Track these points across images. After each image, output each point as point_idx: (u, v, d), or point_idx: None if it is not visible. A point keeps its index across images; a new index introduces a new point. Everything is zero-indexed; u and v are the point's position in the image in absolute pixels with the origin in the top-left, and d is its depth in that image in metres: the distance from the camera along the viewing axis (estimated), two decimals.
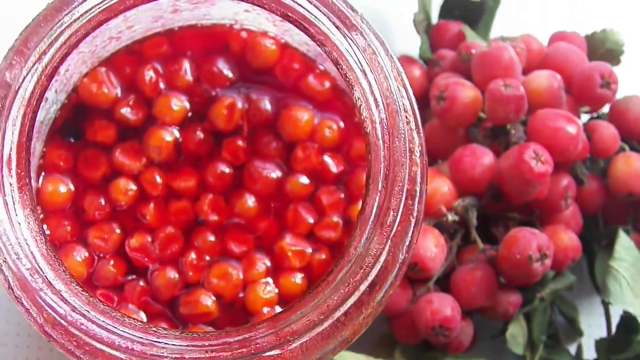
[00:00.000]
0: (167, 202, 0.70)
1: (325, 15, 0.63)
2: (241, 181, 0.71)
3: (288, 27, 0.68)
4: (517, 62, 0.81)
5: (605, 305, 0.84)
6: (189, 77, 0.71)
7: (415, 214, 0.62)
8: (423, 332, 0.78)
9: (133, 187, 0.70)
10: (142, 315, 0.69)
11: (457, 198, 0.79)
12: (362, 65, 0.62)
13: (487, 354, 0.83)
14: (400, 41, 0.90)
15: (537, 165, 0.76)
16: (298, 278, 0.70)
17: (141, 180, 0.70)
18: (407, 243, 0.62)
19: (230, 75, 0.72)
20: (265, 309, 0.69)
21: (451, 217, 0.78)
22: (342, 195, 0.71)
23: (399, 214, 0.61)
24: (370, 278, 0.60)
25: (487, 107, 0.79)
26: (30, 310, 0.59)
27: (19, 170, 0.60)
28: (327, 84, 0.72)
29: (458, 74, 0.83)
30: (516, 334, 0.80)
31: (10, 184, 0.59)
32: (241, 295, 0.70)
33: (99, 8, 0.62)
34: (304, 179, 0.71)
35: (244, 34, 0.72)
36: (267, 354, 0.59)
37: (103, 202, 0.70)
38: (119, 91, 0.71)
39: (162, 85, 0.71)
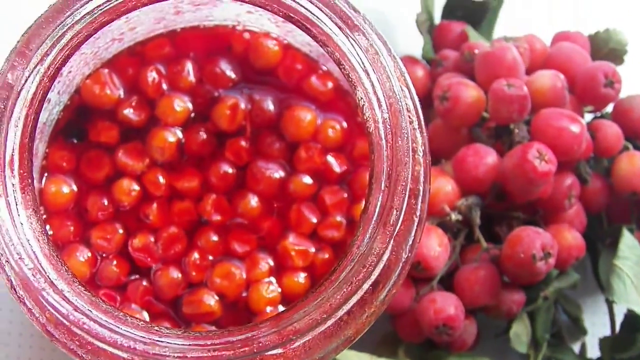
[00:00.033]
0: (170, 203, 0.70)
1: (327, 15, 0.63)
2: (244, 181, 0.71)
3: (290, 28, 0.68)
4: (520, 62, 0.81)
5: (609, 304, 0.84)
6: (191, 78, 0.71)
7: (418, 213, 0.63)
8: (426, 330, 0.78)
9: (136, 187, 0.70)
10: (145, 315, 0.69)
11: (461, 197, 0.79)
12: (364, 66, 0.62)
13: (491, 352, 0.83)
14: (403, 42, 0.91)
15: (541, 165, 0.76)
16: (301, 277, 0.70)
17: (144, 180, 0.70)
18: (411, 242, 0.62)
19: (233, 76, 0.72)
20: (269, 309, 0.69)
21: (455, 216, 0.78)
22: (345, 195, 0.71)
23: (402, 213, 0.61)
24: (373, 277, 0.60)
25: (490, 107, 0.79)
26: (33, 310, 0.59)
27: (22, 171, 0.60)
28: (330, 84, 0.72)
29: (461, 74, 0.84)
30: (520, 333, 0.80)
31: (13, 185, 0.59)
32: (244, 294, 0.70)
33: (101, 10, 0.62)
34: (307, 179, 0.71)
35: (246, 35, 0.72)
36: (270, 352, 0.59)
37: (106, 203, 0.70)
38: (121, 92, 0.71)
39: (164, 86, 0.71)
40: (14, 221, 0.59)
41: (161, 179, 0.70)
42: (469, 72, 0.83)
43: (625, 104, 0.84)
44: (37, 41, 0.61)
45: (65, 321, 0.58)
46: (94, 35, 0.63)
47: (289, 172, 0.71)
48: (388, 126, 0.61)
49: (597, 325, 0.86)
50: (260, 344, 0.58)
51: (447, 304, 0.77)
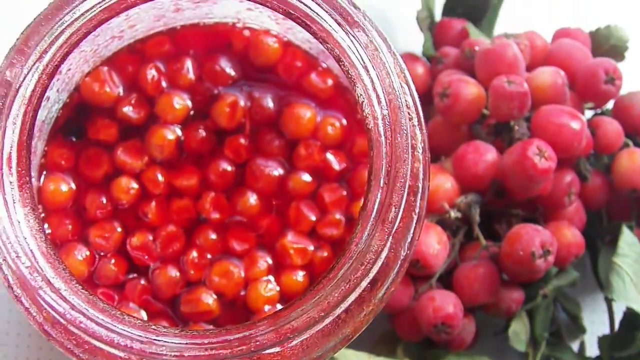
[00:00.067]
0: (169, 201, 0.70)
1: (327, 12, 0.63)
2: (243, 179, 0.71)
3: (290, 25, 0.68)
4: (521, 58, 0.81)
5: (609, 302, 0.84)
6: (191, 75, 0.71)
7: (417, 211, 0.62)
8: (425, 329, 0.78)
9: (135, 185, 0.70)
10: (143, 314, 0.69)
11: (460, 195, 0.79)
12: (364, 62, 0.62)
13: (490, 351, 0.83)
14: (403, 39, 0.91)
15: (541, 162, 0.76)
16: (300, 276, 0.70)
17: (143, 178, 0.70)
18: (409, 240, 0.62)
19: (232, 73, 0.72)
20: (267, 307, 0.69)
21: (454, 213, 0.78)
22: (345, 193, 0.71)
23: (401, 210, 0.60)
24: (371, 275, 0.60)
25: (490, 104, 0.79)
26: (30, 309, 0.59)
27: (20, 169, 0.60)
28: (330, 81, 0.72)
29: (461, 71, 0.83)
30: (519, 331, 0.80)
31: (11, 182, 0.59)
32: (242, 293, 0.70)
33: (100, 7, 0.62)
34: (307, 177, 0.71)
35: (246, 33, 0.72)
36: (267, 351, 0.59)
37: (104, 201, 0.70)
38: (121, 90, 0.71)
39: (164, 83, 0.71)
40: (11, 219, 0.59)
41: (160, 177, 0.70)
42: (469, 69, 0.83)
43: (625, 100, 0.84)
44: (35, 38, 0.61)
45: (62, 320, 0.58)
46: (93, 33, 0.63)
47: (288, 170, 0.71)
48: (387, 123, 0.61)
49: (596, 324, 0.86)
50: (258, 343, 0.58)
51: (445, 302, 0.77)
